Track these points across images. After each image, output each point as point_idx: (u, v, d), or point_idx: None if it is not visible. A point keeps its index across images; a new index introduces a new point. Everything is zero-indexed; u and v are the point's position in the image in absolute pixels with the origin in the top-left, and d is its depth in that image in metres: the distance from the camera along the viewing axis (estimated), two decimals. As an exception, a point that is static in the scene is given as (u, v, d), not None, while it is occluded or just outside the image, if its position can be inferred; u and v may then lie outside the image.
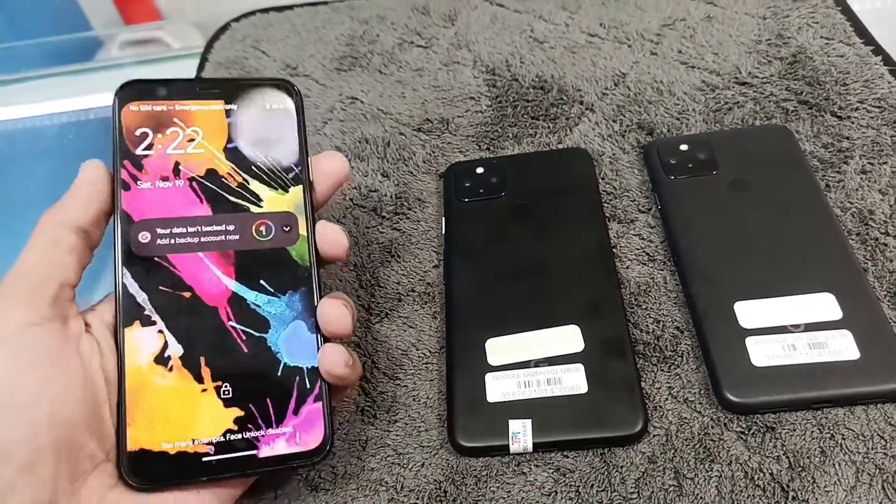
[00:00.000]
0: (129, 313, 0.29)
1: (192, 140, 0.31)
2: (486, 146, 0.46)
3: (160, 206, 0.30)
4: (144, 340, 0.29)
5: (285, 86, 0.34)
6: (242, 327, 0.30)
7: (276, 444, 0.29)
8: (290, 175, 0.32)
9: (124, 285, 0.29)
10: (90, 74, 0.67)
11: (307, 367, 0.30)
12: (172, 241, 0.30)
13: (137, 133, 0.31)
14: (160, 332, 0.29)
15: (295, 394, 0.30)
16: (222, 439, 0.28)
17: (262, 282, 0.31)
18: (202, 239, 0.30)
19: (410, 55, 0.54)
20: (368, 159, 0.47)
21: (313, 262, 0.32)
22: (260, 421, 0.29)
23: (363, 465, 0.33)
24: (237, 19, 0.61)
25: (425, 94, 0.50)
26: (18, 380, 0.25)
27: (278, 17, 0.61)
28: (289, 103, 0.33)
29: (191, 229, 0.30)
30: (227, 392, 0.29)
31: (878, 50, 0.45)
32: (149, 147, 0.31)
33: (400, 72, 0.52)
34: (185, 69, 0.59)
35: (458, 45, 0.53)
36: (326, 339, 0.31)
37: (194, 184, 0.31)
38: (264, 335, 0.30)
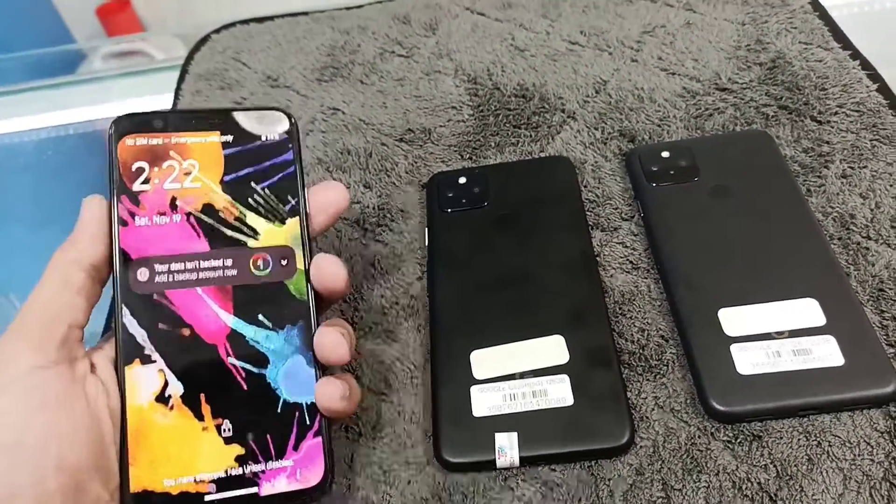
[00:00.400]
0: (128, 352, 0.29)
1: (188, 173, 0.31)
2: (468, 156, 0.46)
3: (158, 243, 0.30)
4: (145, 379, 0.29)
5: (281, 115, 0.33)
6: (242, 364, 0.30)
7: (277, 481, 0.29)
8: (287, 207, 0.32)
9: (123, 324, 0.29)
10: (71, 88, 0.67)
11: (306, 403, 0.30)
12: (170, 278, 0.30)
13: (134, 168, 0.31)
14: (160, 370, 0.29)
15: (295, 430, 0.29)
16: (224, 477, 0.28)
17: (260, 317, 0.30)
18: (200, 275, 0.30)
19: (391, 65, 0.53)
20: (350, 170, 0.46)
21: (311, 295, 0.31)
22: (260, 458, 0.29)
23: (349, 483, 0.33)
24: (217, 31, 0.61)
25: (407, 104, 0.50)
26: (26, 423, 0.25)
27: (259, 28, 0.60)
28: (285, 133, 0.33)
29: (189, 265, 0.30)
30: (227, 430, 0.29)
31: (855, 54, 0.45)
32: (145, 182, 0.31)
33: (381, 82, 0.52)
34: (168, 81, 0.59)
35: (439, 55, 0.53)
36: (324, 370, 0.31)
37: (191, 218, 0.31)
38: (263, 371, 0.30)
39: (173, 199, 0.31)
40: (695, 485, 0.30)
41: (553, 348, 0.34)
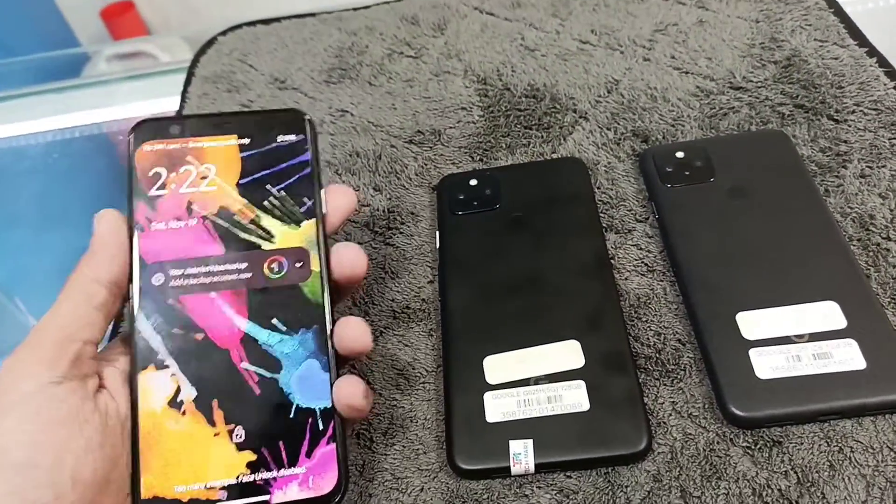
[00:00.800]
0: (143, 357, 0.29)
1: (204, 177, 0.31)
2: (479, 157, 0.45)
3: (173, 247, 0.30)
4: (158, 384, 0.29)
5: (298, 116, 0.33)
6: (255, 368, 0.29)
7: (289, 488, 0.28)
8: (303, 209, 0.32)
9: (138, 329, 0.29)
10: (77, 91, 0.66)
11: (320, 408, 0.29)
12: (185, 283, 0.30)
13: (151, 174, 0.31)
14: (173, 375, 0.29)
15: (308, 436, 0.29)
16: (235, 484, 0.28)
17: (274, 320, 0.30)
18: (214, 279, 0.30)
19: (400, 66, 0.53)
20: (360, 173, 0.46)
21: (326, 298, 0.31)
22: (272, 465, 0.28)
23: (361, 490, 0.32)
24: (223, 33, 0.61)
25: (416, 106, 0.49)
26: (40, 440, 0.25)
27: (265, 29, 0.60)
28: (301, 134, 0.33)
29: (203, 269, 0.30)
30: (239, 435, 0.28)
31: (872, 52, 0.45)
32: (162, 187, 0.31)
33: (390, 83, 0.52)
34: (174, 83, 0.59)
35: (448, 55, 0.53)
36: (339, 374, 0.30)
37: (207, 222, 0.31)
38: (276, 376, 0.29)
39: (189, 204, 0.31)
40: (714, 492, 0.30)
41: (568, 353, 0.34)
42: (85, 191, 0.60)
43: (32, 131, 0.63)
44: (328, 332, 0.30)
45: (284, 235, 0.31)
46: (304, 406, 0.29)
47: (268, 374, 0.29)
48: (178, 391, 0.29)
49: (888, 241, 0.36)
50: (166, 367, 0.29)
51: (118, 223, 0.30)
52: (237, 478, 0.28)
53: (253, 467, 0.28)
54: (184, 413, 0.28)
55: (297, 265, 0.31)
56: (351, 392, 0.29)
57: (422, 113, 0.49)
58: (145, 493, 0.27)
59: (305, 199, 0.32)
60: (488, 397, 0.33)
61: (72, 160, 0.60)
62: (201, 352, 0.29)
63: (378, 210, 0.43)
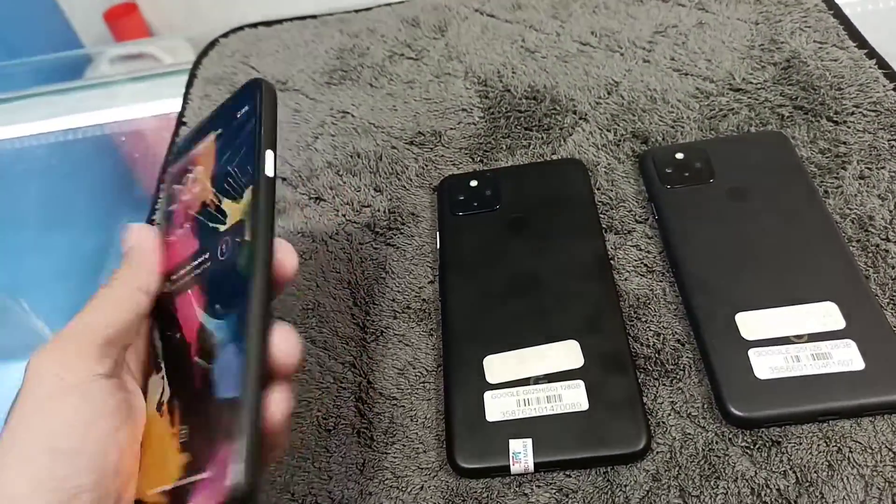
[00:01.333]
0: (152, 363, 0.29)
1: (195, 179, 0.31)
2: (479, 158, 0.45)
3: (175, 254, 0.30)
4: (155, 387, 0.29)
5: (254, 84, 0.30)
6: (200, 361, 0.27)
7: (199, 494, 0.24)
8: (245, 178, 0.28)
9: (151, 337, 0.30)
10: (80, 93, 0.67)
11: (227, 399, 0.25)
12: (175, 285, 0.30)
13: (172, 193, 0.32)
14: (163, 377, 0.29)
15: (221, 433, 0.24)
16: (174, 489, 0.26)
17: (217, 305, 0.27)
18: (191, 274, 0.30)
19: (401, 68, 0.53)
20: (360, 174, 0.46)
21: (254, 270, 0.26)
22: (195, 466, 0.25)
23: (361, 489, 0.33)
24: (226, 35, 0.61)
25: (417, 107, 0.50)
26: (88, 429, 0.25)
27: (267, 31, 0.60)
28: (252, 101, 0.29)
29: (185, 268, 0.30)
30: (184, 435, 0.26)
31: (871, 53, 0.45)
32: (176, 201, 0.32)
33: (391, 84, 0.52)
34: (176, 85, 0.59)
35: (448, 57, 0.53)
36: (264, 363, 0.26)
37: (191, 221, 0.31)
38: (211, 366, 0.26)
39: (186, 209, 0.31)
40: (713, 491, 0.30)
41: (567, 353, 0.34)
42: (88, 192, 0.60)
43: (35, 132, 0.63)
44: (251, 309, 0.25)
45: (232, 212, 0.28)
46: (220, 398, 0.25)
47: (206, 365, 0.26)
48: (163, 392, 0.28)
49: (887, 241, 0.36)
50: (161, 370, 0.29)
51: (152, 238, 0.30)
52: (176, 481, 0.25)
53: (184, 470, 0.25)
54: (162, 415, 0.28)
55: (237, 240, 0.27)
56: (289, 347, 0.26)
57: (422, 114, 0.49)
58: (137, 494, 0.27)
59: (248, 168, 0.28)
60: (488, 397, 0.33)
61: (75, 162, 0.60)
62: (177, 351, 0.29)
63: (379, 211, 0.44)
